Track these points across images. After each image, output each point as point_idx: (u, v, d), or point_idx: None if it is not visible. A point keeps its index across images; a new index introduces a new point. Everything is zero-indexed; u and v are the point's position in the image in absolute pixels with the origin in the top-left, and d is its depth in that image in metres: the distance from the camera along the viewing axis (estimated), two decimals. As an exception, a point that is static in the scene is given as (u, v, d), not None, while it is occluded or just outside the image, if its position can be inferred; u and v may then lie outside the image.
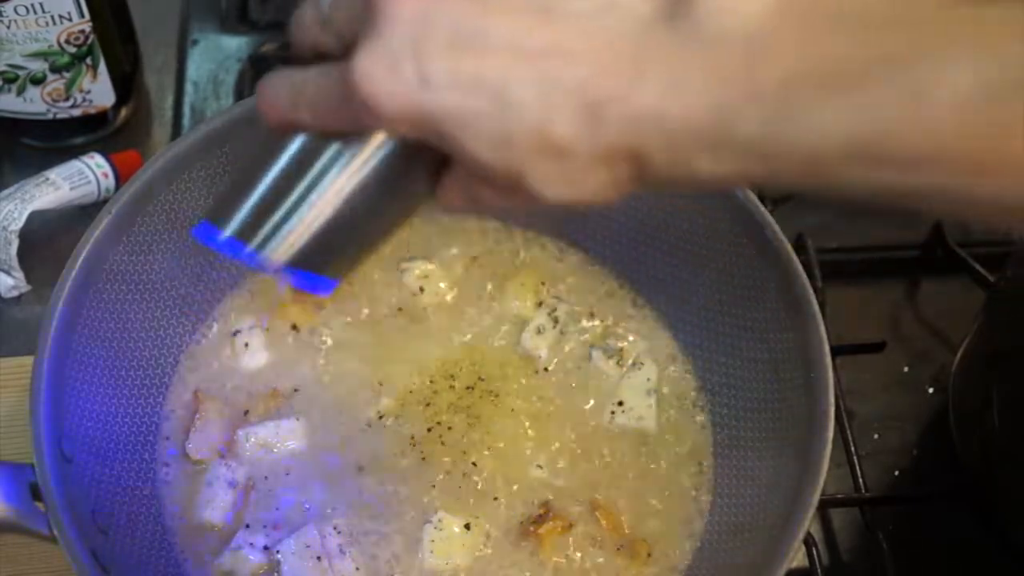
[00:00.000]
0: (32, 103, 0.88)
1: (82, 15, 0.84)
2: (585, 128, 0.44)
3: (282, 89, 0.51)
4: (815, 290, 0.69)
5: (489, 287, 0.79)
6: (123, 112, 0.94)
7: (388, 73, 0.44)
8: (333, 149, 0.50)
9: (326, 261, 0.53)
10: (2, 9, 0.81)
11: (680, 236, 0.75)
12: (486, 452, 0.72)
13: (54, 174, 0.87)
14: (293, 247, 0.51)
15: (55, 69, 0.86)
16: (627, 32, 0.44)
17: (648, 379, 0.75)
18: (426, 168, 0.51)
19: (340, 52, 0.48)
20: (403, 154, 0.50)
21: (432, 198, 0.53)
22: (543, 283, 0.79)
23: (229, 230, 0.51)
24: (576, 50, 0.44)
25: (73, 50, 0.85)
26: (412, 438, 0.73)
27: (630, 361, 0.76)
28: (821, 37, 0.43)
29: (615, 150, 0.45)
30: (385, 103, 0.45)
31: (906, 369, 0.86)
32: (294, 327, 0.77)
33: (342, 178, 0.50)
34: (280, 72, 0.51)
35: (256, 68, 0.99)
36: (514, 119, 0.45)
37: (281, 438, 0.72)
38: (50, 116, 0.90)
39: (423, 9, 0.44)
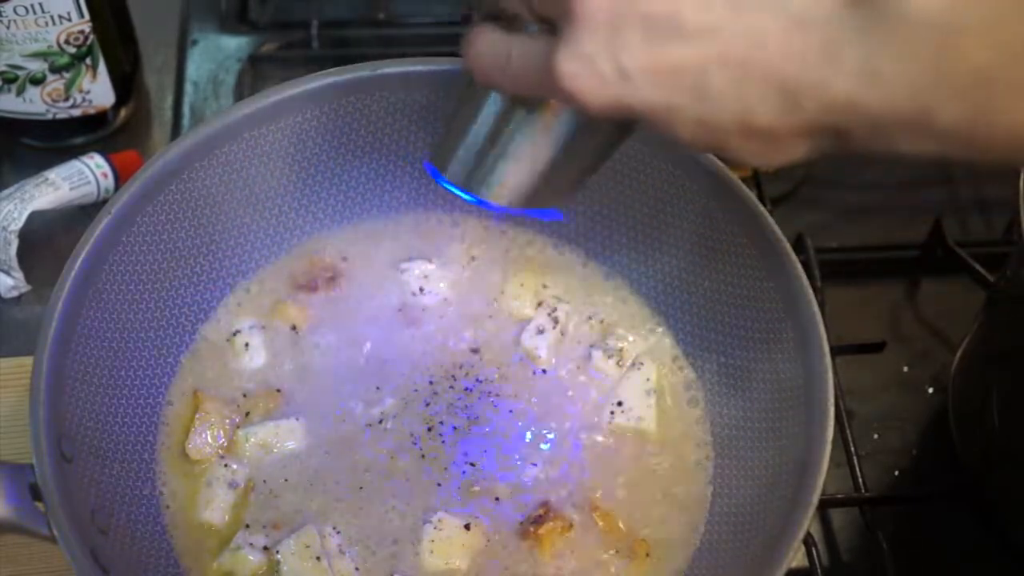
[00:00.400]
0: (32, 103, 0.88)
1: (82, 15, 0.84)
2: (784, 113, 0.46)
3: (488, 54, 0.53)
4: (815, 290, 0.69)
5: (489, 287, 0.79)
6: (123, 112, 0.94)
7: (589, 72, 0.46)
8: (535, 102, 0.55)
9: (541, 199, 0.58)
10: (2, 9, 0.81)
11: (681, 237, 0.75)
12: (485, 452, 0.72)
13: (54, 174, 0.87)
14: (507, 192, 0.57)
15: (55, 69, 0.86)
16: (816, 17, 0.44)
17: (648, 379, 0.75)
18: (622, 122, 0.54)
19: (534, 20, 0.51)
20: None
21: (630, 136, 0.57)
22: (543, 283, 0.79)
23: (449, 177, 0.58)
24: (768, 37, 0.44)
25: (73, 50, 0.85)
26: (412, 438, 0.73)
27: (630, 361, 0.76)
28: (1011, 23, 0.42)
29: (815, 129, 0.46)
30: (588, 99, 0.47)
31: (906, 369, 0.86)
32: (294, 327, 0.77)
33: (543, 130, 0.55)
34: (486, 32, 0.53)
35: (256, 68, 0.99)
36: (714, 109, 0.46)
37: (281, 438, 0.72)
38: (50, 116, 0.90)
39: (614, 7, 0.46)
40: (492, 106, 0.56)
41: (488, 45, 0.53)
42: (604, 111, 0.48)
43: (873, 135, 0.46)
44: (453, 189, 0.59)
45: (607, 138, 0.58)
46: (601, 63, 0.46)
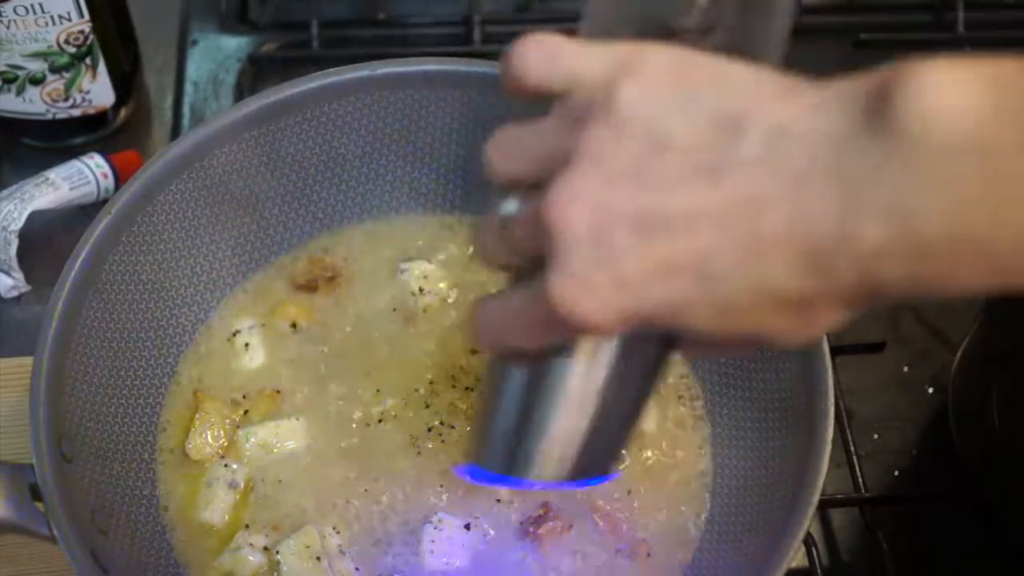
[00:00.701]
0: (32, 103, 0.88)
1: (82, 15, 0.84)
2: (812, 277, 0.41)
3: (492, 324, 0.49)
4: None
5: (489, 287, 0.79)
6: (123, 112, 0.94)
7: (584, 291, 0.43)
8: (561, 360, 0.49)
9: (596, 461, 0.52)
10: (2, 9, 0.81)
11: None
12: (486, 452, 0.72)
13: (54, 174, 0.87)
14: (554, 465, 0.51)
15: (55, 69, 0.86)
16: (815, 162, 0.40)
17: (648, 379, 0.75)
18: (657, 340, 0.50)
19: (529, 266, 0.47)
20: (629, 341, 0.49)
21: (673, 358, 0.52)
22: (543, 283, 0.79)
23: (488, 467, 0.52)
24: (770, 204, 0.40)
25: (73, 50, 0.85)
26: (412, 438, 0.73)
27: (630, 361, 0.76)
28: None
29: (858, 291, 0.41)
30: (593, 319, 0.44)
31: (906, 369, 0.86)
32: (294, 327, 0.77)
33: (579, 385, 0.49)
34: (483, 302, 0.50)
35: (256, 68, 0.99)
36: (727, 289, 0.42)
37: (281, 438, 0.72)
38: (50, 116, 0.90)
39: (595, 218, 0.43)
40: (516, 380, 0.51)
41: (490, 313, 0.49)
42: (614, 327, 0.44)
43: (920, 283, 0.40)
44: (496, 483, 0.54)
45: (642, 370, 0.51)
46: (595, 278, 0.43)
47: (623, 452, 0.56)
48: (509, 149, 0.47)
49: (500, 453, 0.52)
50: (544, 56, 0.46)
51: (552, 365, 0.49)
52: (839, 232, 0.40)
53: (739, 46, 0.46)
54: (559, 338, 0.48)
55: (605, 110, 0.43)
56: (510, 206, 0.47)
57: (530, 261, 0.47)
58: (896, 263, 0.40)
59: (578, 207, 0.43)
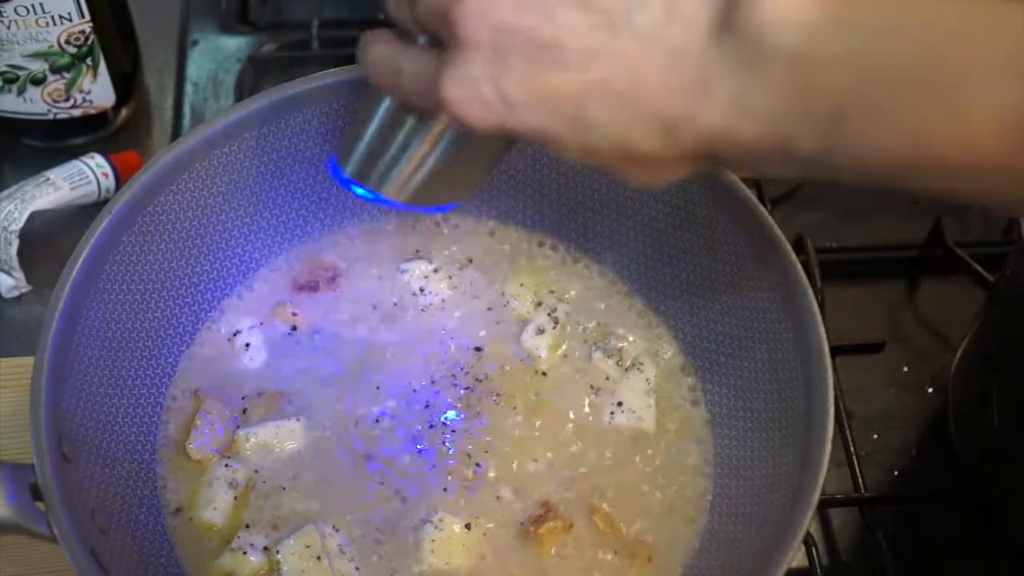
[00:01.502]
0: (32, 103, 0.88)
1: (82, 15, 0.84)
2: (662, 141, 0.47)
3: (381, 62, 0.55)
4: (815, 290, 0.69)
5: (488, 287, 0.79)
6: (123, 112, 0.94)
7: (472, 96, 0.48)
8: (421, 116, 0.58)
9: (435, 196, 0.62)
10: (2, 9, 0.81)
11: (680, 237, 0.75)
12: (486, 452, 0.72)
13: (54, 174, 0.87)
14: (399, 190, 0.61)
15: (55, 69, 0.86)
16: (690, 50, 0.46)
17: (648, 379, 0.75)
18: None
19: (421, 33, 0.53)
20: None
21: (517, 147, 0.62)
22: (543, 283, 0.79)
23: (348, 172, 0.62)
24: (645, 70, 0.46)
25: (73, 50, 0.86)
26: (412, 438, 0.73)
27: (629, 361, 0.76)
28: (867, 52, 0.44)
29: (692, 154, 0.48)
30: (472, 122, 0.49)
31: (906, 369, 0.86)
32: (294, 327, 0.77)
33: (431, 137, 0.58)
34: (380, 39, 0.56)
35: (256, 68, 0.99)
36: (595, 137, 0.48)
37: (281, 438, 0.72)
38: (50, 116, 0.90)
39: (499, 33, 0.47)
40: (384, 108, 0.59)
41: (381, 53, 0.55)
42: (489, 132, 0.49)
43: (744, 161, 0.49)
44: (350, 186, 0.62)
45: (495, 148, 0.61)
46: (484, 88, 0.48)
47: (465, 194, 0.64)
48: None
49: (359, 164, 0.62)
50: None
51: (418, 112, 0.57)
52: (688, 112, 0.46)
53: None
54: (431, 111, 0.53)
55: None
56: None
57: (419, 29, 0.52)
58: (726, 144, 0.47)
59: (487, 17, 0.47)
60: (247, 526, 0.69)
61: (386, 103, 0.59)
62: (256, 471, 0.71)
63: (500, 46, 0.47)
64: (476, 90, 0.48)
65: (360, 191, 0.62)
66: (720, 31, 0.45)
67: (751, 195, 0.70)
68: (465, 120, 0.49)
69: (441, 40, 0.50)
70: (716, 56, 0.45)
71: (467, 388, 0.75)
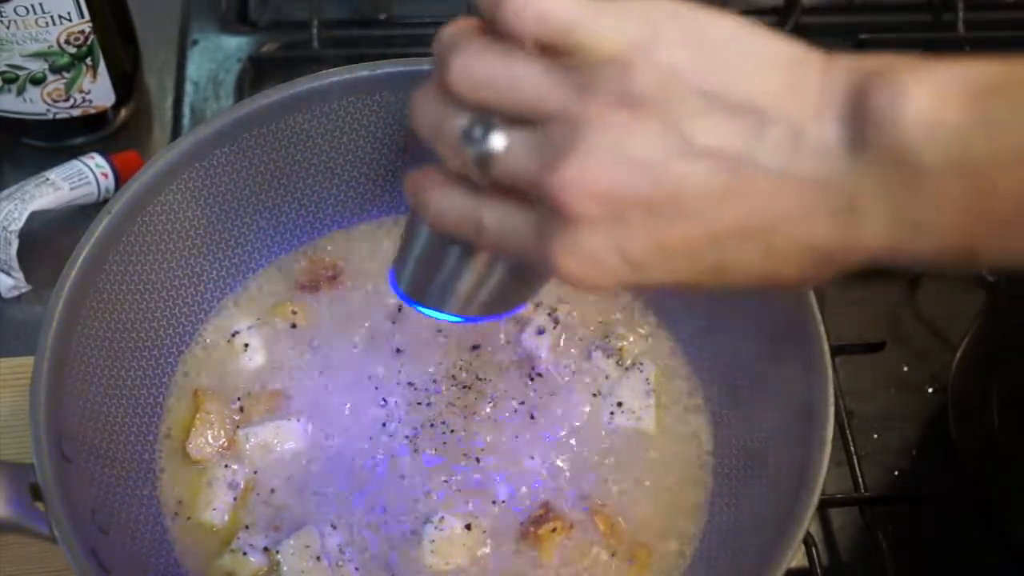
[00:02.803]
0: (32, 103, 0.88)
1: (82, 15, 0.84)
2: (820, 269, 0.44)
3: (452, 213, 0.48)
4: (815, 290, 0.69)
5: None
6: (123, 112, 0.94)
7: (593, 266, 0.44)
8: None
9: (496, 309, 0.56)
10: (2, 9, 0.81)
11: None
12: (486, 452, 0.72)
13: (54, 174, 0.87)
14: (462, 308, 0.55)
15: (55, 69, 0.86)
16: (825, 171, 0.41)
17: (647, 380, 0.75)
18: None
19: (483, 185, 0.46)
20: None
21: None
22: (543, 283, 0.79)
23: (405, 290, 0.57)
24: (781, 203, 0.42)
25: (73, 50, 0.85)
26: (412, 438, 0.73)
27: (629, 361, 0.76)
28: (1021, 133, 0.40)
29: (851, 269, 0.44)
30: (595, 286, 0.45)
31: (906, 369, 0.86)
32: (293, 327, 0.77)
33: (489, 259, 0.52)
34: (435, 180, 0.48)
35: (256, 68, 0.99)
36: (737, 276, 0.44)
37: (281, 438, 0.72)
38: (50, 116, 0.90)
39: (608, 202, 0.42)
40: (429, 234, 0.53)
41: (449, 205, 0.48)
42: (613, 289, 0.47)
43: (914, 266, 0.45)
44: (411, 304, 0.58)
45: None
46: (605, 257, 0.43)
47: (527, 301, 0.59)
48: (484, 73, 0.44)
49: (415, 284, 0.56)
50: (548, 7, 0.43)
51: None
52: (844, 239, 0.42)
53: None
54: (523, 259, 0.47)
55: (622, 89, 0.42)
56: (496, 143, 0.44)
57: (491, 184, 0.46)
58: (892, 258, 0.43)
59: (594, 189, 0.42)
60: (247, 526, 0.69)
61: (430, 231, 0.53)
62: (256, 471, 0.71)
63: (615, 214, 0.42)
64: (596, 260, 0.43)
65: (423, 309, 0.57)
66: (857, 150, 0.41)
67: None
68: (587, 286, 0.45)
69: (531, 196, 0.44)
70: (860, 177, 0.41)
71: (467, 388, 0.75)
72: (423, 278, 0.55)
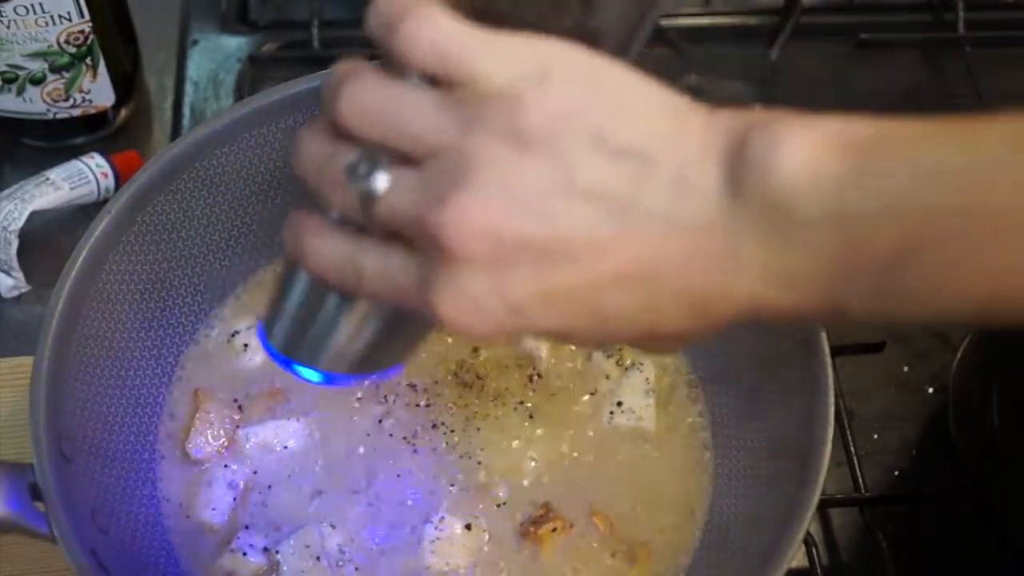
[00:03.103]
0: (32, 103, 0.88)
1: (82, 15, 0.84)
2: (694, 319, 0.44)
3: (330, 259, 0.46)
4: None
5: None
6: (123, 112, 0.94)
7: (473, 310, 0.42)
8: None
9: (369, 367, 0.53)
10: (2, 9, 0.81)
11: (680, 236, 0.75)
12: (486, 452, 0.72)
13: (54, 174, 0.87)
14: (333, 363, 0.51)
15: (55, 69, 0.86)
16: (708, 218, 0.42)
17: (648, 380, 0.75)
18: None
19: (368, 228, 0.44)
20: None
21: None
22: (543, 283, 0.79)
23: (276, 344, 0.53)
24: (663, 249, 0.42)
25: (73, 50, 0.85)
26: (412, 438, 0.73)
27: (629, 361, 0.76)
28: (915, 201, 0.40)
29: (727, 323, 0.44)
30: (474, 332, 0.43)
31: (906, 369, 0.86)
32: (294, 327, 0.76)
33: (367, 314, 0.49)
34: (313, 224, 0.46)
35: (256, 68, 0.99)
36: (618, 326, 0.44)
37: (281, 438, 0.72)
38: (50, 116, 0.90)
39: (491, 242, 0.41)
40: (312, 285, 0.50)
41: (328, 251, 0.46)
42: (495, 339, 0.45)
43: (789, 322, 0.45)
44: (277, 358, 0.53)
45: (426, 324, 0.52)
46: (486, 301, 0.42)
47: (404, 360, 0.55)
48: (371, 105, 0.43)
49: (289, 337, 0.52)
50: (441, 38, 0.42)
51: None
52: (719, 288, 0.43)
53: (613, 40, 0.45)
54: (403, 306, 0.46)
55: (511, 125, 0.41)
56: (379, 182, 0.43)
57: (377, 228, 0.44)
58: (769, 312, 0.43)
59: (478, 228, 0.41)
60: (246, 526, 0.69)
61: (309, 280, 0.50)
62: (256, 471, 0.71)
63: (497, 256, 0.41)
64: (477, 304, 0.42)
65: (293, 367, 0.53)
66: (736, 198, 0.41)
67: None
68: (466, 331, 0.43)
69: (408, 237, 0.43)
70: (741, 225, 0.41)
71: (467, 388, 0.75)
72: (295, 331, 0.52)
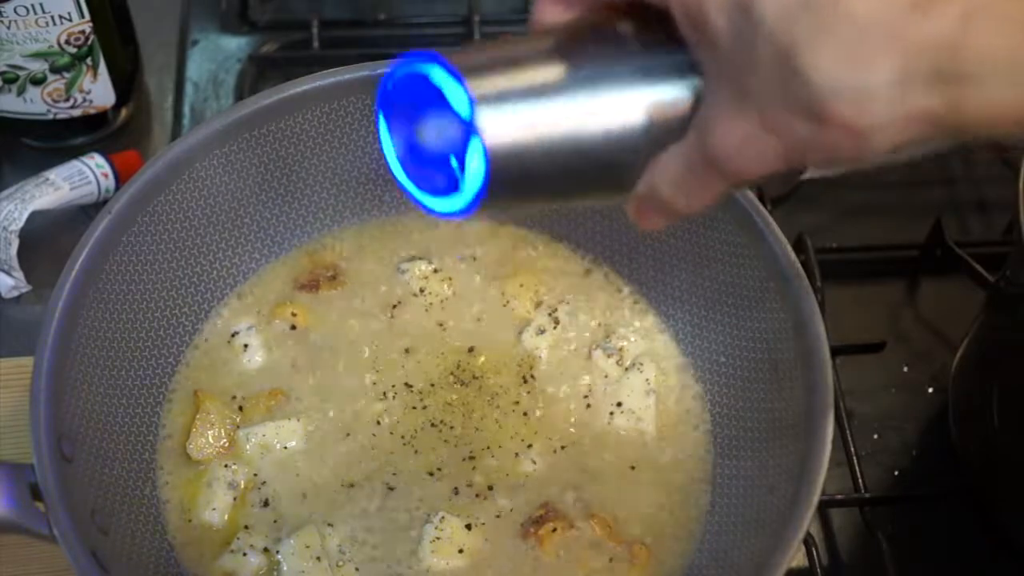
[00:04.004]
0: (32, 103, 0.88)
1: (82, 15, 0.84)
2: (938, 98, 0.43)
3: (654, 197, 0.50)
4: (815, 290, 0.69)
5: (489, 287, 0.79)
6: (123, 112, 0.94)
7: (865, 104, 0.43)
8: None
9: (507, 184, 0.48)
10: (2, 9, 0.81)
11: (680, 237, 0.75)
12: (486, 452, 0.72)
13: (54, 174, 0.87)
14: (503, 142, 0.46)
15: (55, 69, 0.86)
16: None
17: (647, 380, 0.75)
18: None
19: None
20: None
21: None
22: (543, 283, 0.79)
23: (473, 88, 0.46)
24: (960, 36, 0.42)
25: (73, 50, 0.85)
26: (412, 438, 0.73)
27: (629, 362, 0.76)
28: None
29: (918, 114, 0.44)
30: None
31: (906, 369, 0.86)
32: (292, 327, 0.77)
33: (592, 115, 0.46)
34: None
35: (256, 68, 0.99)
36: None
37: (281, 438, 0.72)
38: (50, 116, 0.90)
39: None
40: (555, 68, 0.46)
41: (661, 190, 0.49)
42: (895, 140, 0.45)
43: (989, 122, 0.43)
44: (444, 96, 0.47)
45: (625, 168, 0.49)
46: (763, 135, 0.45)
47: (507, 206, 0.53)
48: None
49: (490, 89, 0.46)
50: None
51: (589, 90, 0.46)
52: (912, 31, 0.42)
53: None
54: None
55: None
56: None
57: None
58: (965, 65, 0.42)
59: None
60: (247, 527, 0.69)
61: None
62: (256, 472, 0.71)
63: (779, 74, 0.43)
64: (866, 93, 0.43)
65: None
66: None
67: (751, 195, 0.70)
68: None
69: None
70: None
71: (467, 388, 0.75)
72: (498, 89, 0.46)
